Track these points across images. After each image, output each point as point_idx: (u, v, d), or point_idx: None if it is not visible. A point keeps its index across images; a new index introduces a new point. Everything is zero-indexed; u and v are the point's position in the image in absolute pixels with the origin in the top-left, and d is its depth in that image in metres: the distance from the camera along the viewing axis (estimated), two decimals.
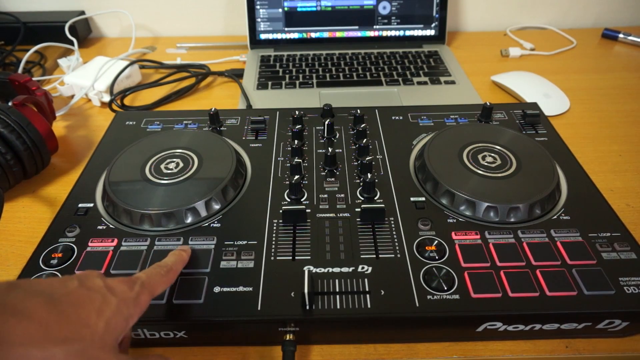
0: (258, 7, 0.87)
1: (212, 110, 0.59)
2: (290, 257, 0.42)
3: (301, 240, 0.44)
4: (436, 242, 0.43)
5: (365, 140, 0.54)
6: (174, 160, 0.52)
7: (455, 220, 0.46)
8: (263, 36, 0.90)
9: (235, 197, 0.49)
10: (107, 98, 0.75)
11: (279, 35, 0.90)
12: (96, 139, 0.68)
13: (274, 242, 0.44)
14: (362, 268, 0.41)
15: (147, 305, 0.33)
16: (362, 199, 0.48)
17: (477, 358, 0.40)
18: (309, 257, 0.42)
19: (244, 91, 0.76)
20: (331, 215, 0.47)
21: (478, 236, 0.44)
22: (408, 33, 0.90)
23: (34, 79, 0.76)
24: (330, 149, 0.52)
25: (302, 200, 0.48)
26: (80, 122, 0.72)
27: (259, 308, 0.38)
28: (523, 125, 0.59)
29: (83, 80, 0.75)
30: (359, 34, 0.90)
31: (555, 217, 0.46)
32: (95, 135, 0.69)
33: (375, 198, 0.48)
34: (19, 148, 0.54)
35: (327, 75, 0.81)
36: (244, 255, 0.43)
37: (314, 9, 0.88)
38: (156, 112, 0.64)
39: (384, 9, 0.88)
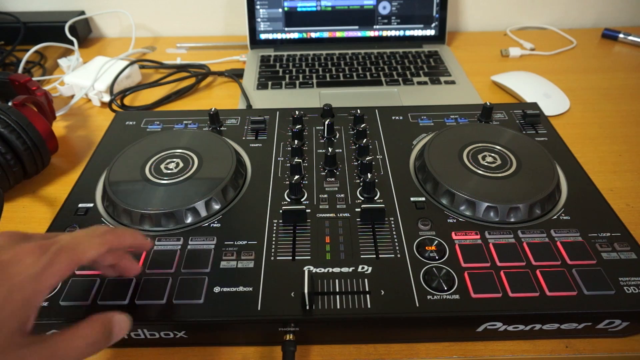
0: (258, 7, 0.87)
1: (212, 110, 0.59)
2: (290, 257, 0.42)
3: (301, 240, 0.44)
4: (436, 242, 0.43)
5: (365, 140, 0.54)
6: (174, 160, 0.52)
7: (455, 220, 0.46)
8: (263, 36, 0.90)
9: (235, 197, 0.49)
10: (107, 98, 0.75)
11: (279, 35, 0.90)
12: (96, 139, 0.68)
13: (274, 242, 0.44)
14: (362, 268, 0.41)
15: (65, 273, 0.29)
16: (362, 199, 0.48)
17: (477, 358, 0.40)
18: (309, 257, 0.42)
19: (244, 91, 0.76)
20: (331, 215, 0.47)
21: (478, 236, 0.44)
22: (408, 33, 0.90)
23: (34, 79, 0.76)
24: (330, 149, 0.52)
25: (302, 200, 0.48)
26: (80, 122, 0.72)
27: (259, 308, 0.38)
28: (523, 125, 0.59)
29: (83, 80, 0.75)
30: (359, 34, 0.90)
31: (555, 217, 0.46)
32: (95, 135, 0.69)
33: (375, 198, 0.48)
34: (19, 148, 0.54)
35: (327, 75, 0.81)
36: (244, 255, 0.43)
37: (314, 9, 0.88)
38: (156, 112, 0.64)
39: (384, 9, 0.88)
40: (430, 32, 0.90)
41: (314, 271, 0.41)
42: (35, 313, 0.29)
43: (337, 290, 0.39)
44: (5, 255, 0.28)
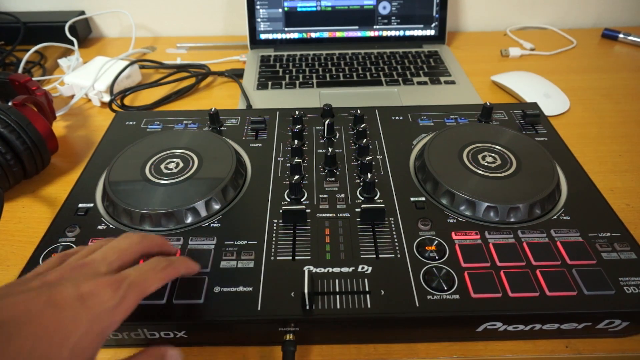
0: (258, 7, 0.87)
1: (212, 110, 0.59)
2: (290, 257, 0.42)
3: (301, 240, 0.44)
4: (436, 242, 0.43)
5: (365, 140, 0.54)
6: (174, 160, 0.52)
7: (455, 220, 0.46)
8: (263, 36, 0.90)
9: (235, 197, 0.49)
10: (107, 98, 0.75)
11: (279, 35, 0.90)
12: (96, 139, 0.68)
13: (274, 242, 0.44)
14: (362, 268, 0.41)
15: (133, 307, 0.30)
16: (362, 199, 0.48)
17: (477, 358, 0.40)
18: (309, 257, 0.42)
19: (244, 91, 0.76)
20: (331, 215, 0.47)
21: (478, 236, 0.44)
22: (408, 33, 0.90)
23: (34, 79, 0.76)
24: (330, 149, 0.52)
25: (302, 200, 0.48)
26: (80, 122, 0.72)
27: (259, 308, 0.38)
28: (523, 125, 0.59)
29: (83, 80, 0.75)
30: (359, 34, 0.90)
31: (555, 217, 0.46)
32: (95, 135, 0.69)
33: (375, 198, 0.48)
34: (19, 148, 0.54)
35: (327, 75, 0.81)
36: (244, 255, 0.43)
37: (314, 9, 0.88)
38: (156, 112, 0.64)
39: (384, 9, 0.88)
40: (430, 32, 0.90)
41: (314, 271, 0.41)
42: (100, 346, 0.29)
43: (337, 290, 0.39)
44: (85, 286, 0.28)
